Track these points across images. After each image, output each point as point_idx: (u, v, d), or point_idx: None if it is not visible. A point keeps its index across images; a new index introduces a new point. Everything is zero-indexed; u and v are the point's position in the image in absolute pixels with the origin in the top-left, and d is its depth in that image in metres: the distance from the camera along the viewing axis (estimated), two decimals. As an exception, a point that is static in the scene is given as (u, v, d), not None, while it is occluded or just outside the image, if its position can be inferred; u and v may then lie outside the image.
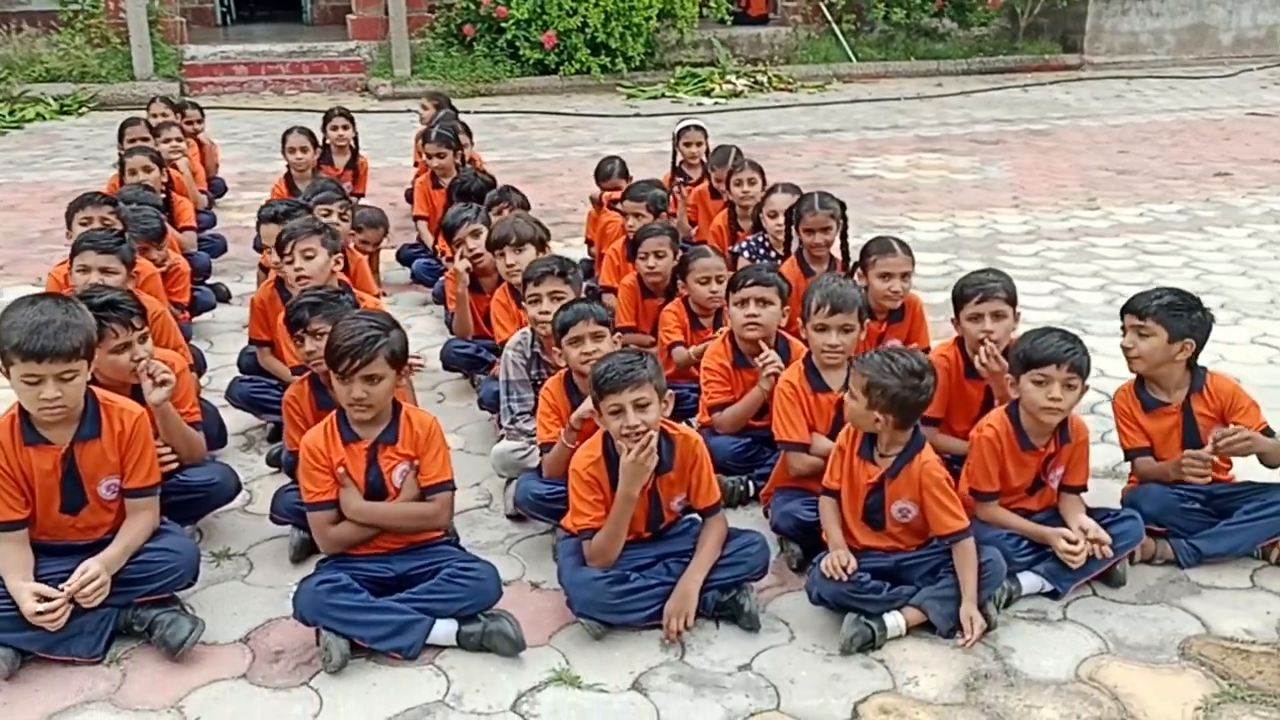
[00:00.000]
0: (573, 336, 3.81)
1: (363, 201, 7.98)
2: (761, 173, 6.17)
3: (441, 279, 6.11)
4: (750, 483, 4.18)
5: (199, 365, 5.01)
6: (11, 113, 12.73)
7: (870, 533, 3.49)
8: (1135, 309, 3.78)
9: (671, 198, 7.13)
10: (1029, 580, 3.53)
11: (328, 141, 7.75)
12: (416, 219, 7.22)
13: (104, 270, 4.35)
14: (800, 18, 17.02)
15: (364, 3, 15.87)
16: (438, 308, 6.22)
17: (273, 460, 4.45)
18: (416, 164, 8.27)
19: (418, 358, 4.24)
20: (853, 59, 16.41)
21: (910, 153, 10.99)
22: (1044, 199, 9.01)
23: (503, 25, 14.71)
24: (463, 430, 4.83)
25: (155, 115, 8.08)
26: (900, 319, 4.68)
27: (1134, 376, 3.88)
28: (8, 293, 6.13)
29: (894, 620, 3.33)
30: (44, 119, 12.76)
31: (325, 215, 5.44)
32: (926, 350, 4.26)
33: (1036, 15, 17.22)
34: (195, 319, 5.91)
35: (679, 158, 7.34)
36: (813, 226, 4.99)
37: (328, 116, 7.93)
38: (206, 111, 9.22)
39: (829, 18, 16.69)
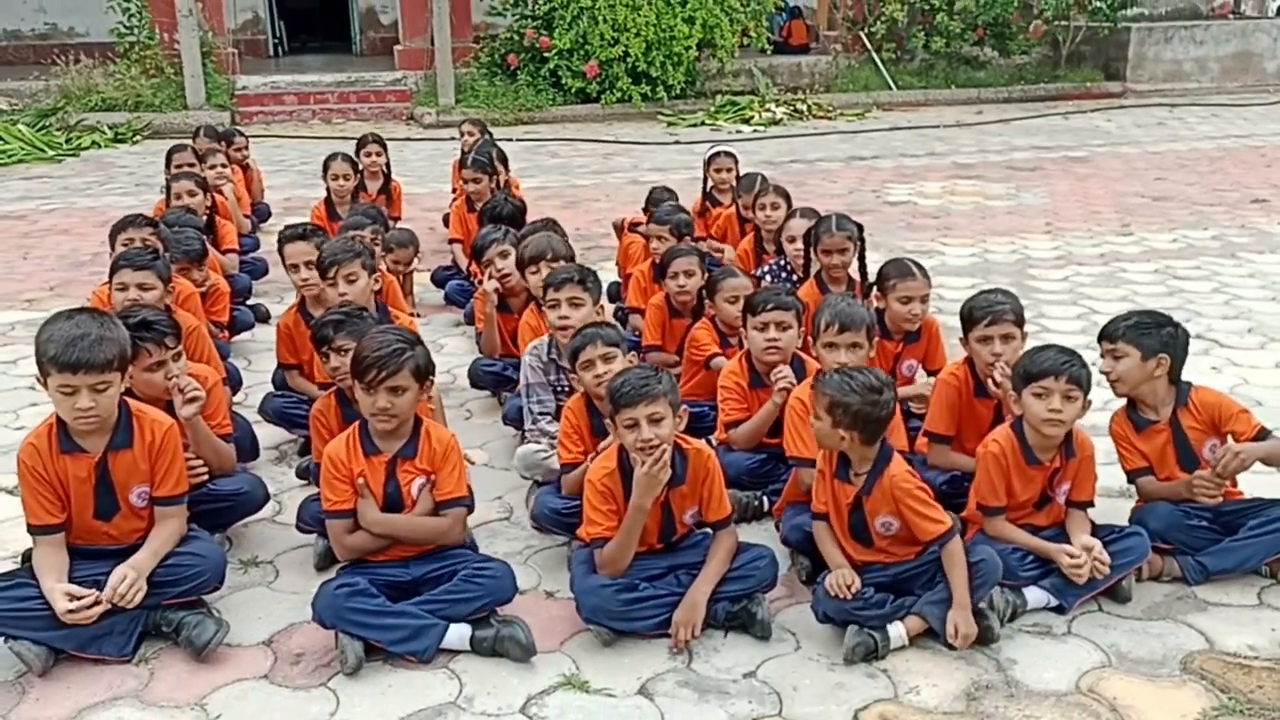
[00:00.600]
0: (584, 361, 3.92)
1: (399, 225, 8.19)
2: (787, 198, 6.27)
3: (472, 300, 6.26)
4: (764, 498, 4.26)
5: (234, 382, 5.18)
6: (68, 140, 13.12)
7: (862, 549, 3.56)
8: (1106, 334, 3.87)
9: (700, 222, 7.29)
10: (1034, 595, 3.58)
11: (361, 167, 7.94)
12: (451, 242, 7.39)
13: (141, 286, 4.53)
14: (840, 46, 17.15)
15: (411, 34, 16.21)
16: (469, 328, 6.36)
17: (302, 473, 4.59)
18: (454, 189, 8.45)
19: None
20: (893, 87, 16.49)
21: (946, 179, 11.04)
22: (1077, 225, 9.02)
23: (546, 55, 14.97)
24: (488, 446, 4.95)
25: (201, 145, 8.32)
26: (916, 339, 4.75)
27: (1125, 400, 3.92)
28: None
29: (896, 630, 3.39)
30: (99, 147, 13.14)
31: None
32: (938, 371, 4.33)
33: (1079, 43, 17.23)
34: (234, 338, 6.11)
35: (709, 183, 7.46)
36: (830, 248, 5.08)
37: (361, 142, 8.14)
38: (255, 139, 9.48)
39: (869, 46, 16.80)
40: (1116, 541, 3.61)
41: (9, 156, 12.35)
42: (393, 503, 3.57)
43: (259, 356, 6.01)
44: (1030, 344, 4.05)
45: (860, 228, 5.24)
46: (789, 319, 4.27)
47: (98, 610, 3.26)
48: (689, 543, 3.67)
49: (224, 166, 7.82)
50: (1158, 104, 16.14)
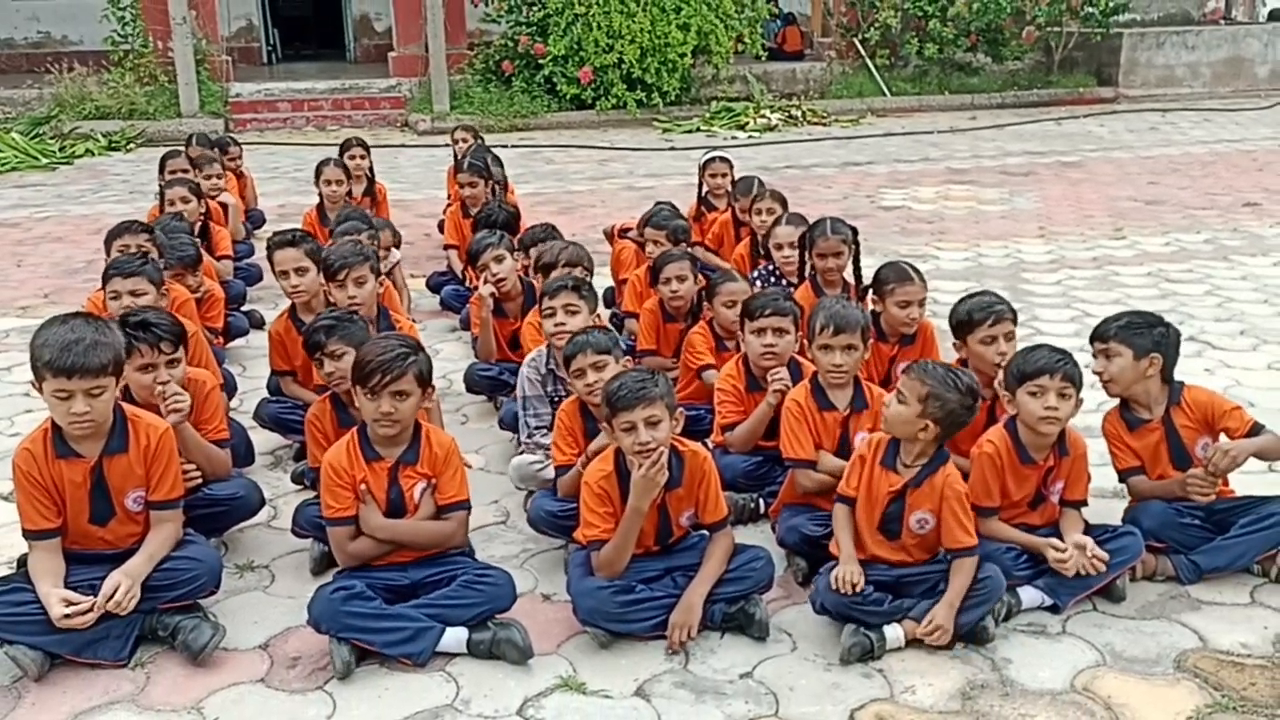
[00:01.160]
0: (575, 369, 3.92)
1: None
2: (783, 202, 6.29)
3: (468, 305, 6.27)
4: (761, 500, 4.27)
5: (229, 388, 5.17)
6: (62, 149, 13.12)
7: (884, 543, 3.55)
8: (1098, 334, 3.90)
9: (695, 227, 7.30)
10: (1029, 595, 3.59)
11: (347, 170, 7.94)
12: (447, 247, 7.39)
13: (132, 293, 4.54)
14: (835, 53, 17.20)
15: (405, 41, 16.23)
16: (465, 333, 6.36)
17: (297, 478, 4.59)
18: (450, 196, 8.46)
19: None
20: (887, 93, 16.54)
21: (940, 184, 11.07)
22: (1070, 229, 9.05)
23: (540, 62, 15.00)
24: (484, 450, 4.95)
25: (194, 154, 8.29)
26: (912, 342, 4.76)
27: (1119, 400, 3.94)
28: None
29: (894, 632, 3.40)
30: (93, 154, 13.14)
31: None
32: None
33: (1071, 49, 17.30)
34: (229, 344, 6.11)
35: (704, 188, 7.47)
36: (825, 252, 5.10)
37: (345, 146, 8.14)
38: (249, 147, 9.48)
39: (863, 53, 16.85)
40: (1110, 541, 3.62)
41: (3, 165, 12.35)
42: (395, 508, 3.57)
43: (254, 362, 6.01)
44: (1014, 343, 4.09)
45: (855, 231, 5.26)
46: (786, 324, 4.28)
47: (93, 616, 3.26)
48: (685, 545, 3.68)
49: (219, 177, 7.82)
50: (1150, 109, 16.20)
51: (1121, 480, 3.97)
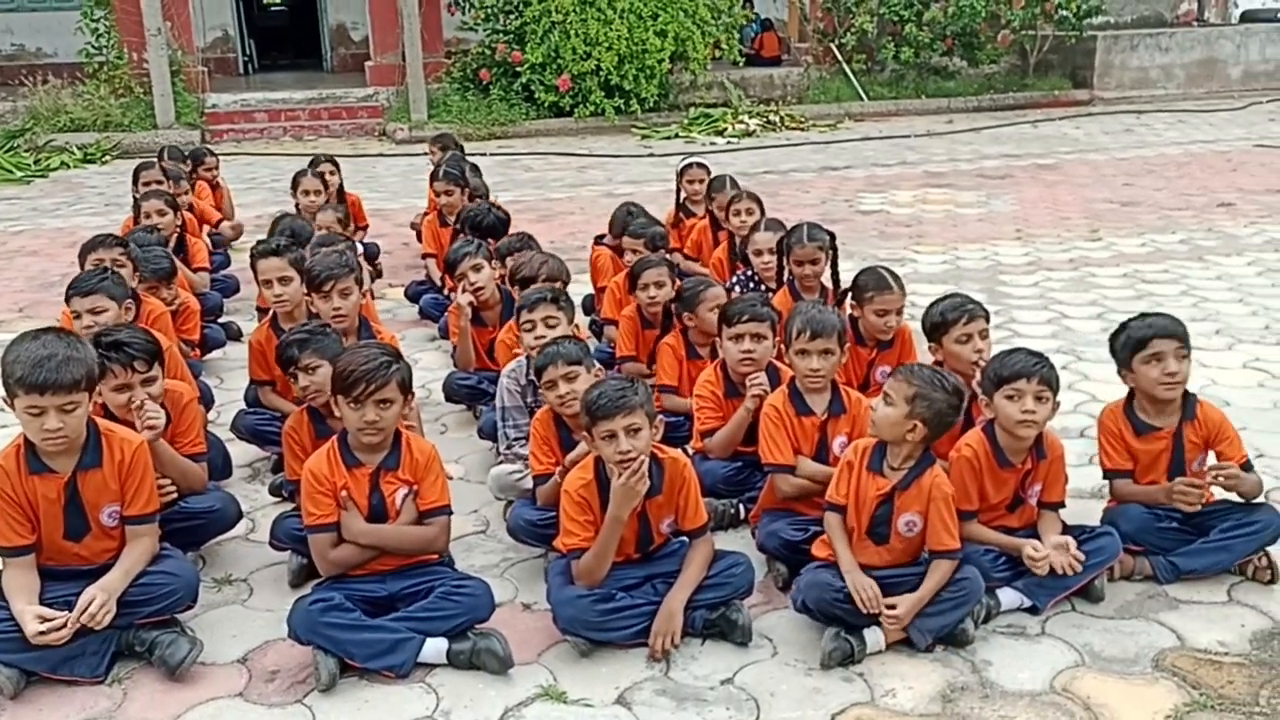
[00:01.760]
0: (547, 380, 3.91)
1: (368, 238, 8.23)
2: (760, 203, 6.31)
3: (446, 314, 6.26)
4: (741, 505, 4.27)
5: (206, 400, 5.14)
6: (37, 162, 13.05)
7: (871, 547, 3.54)
8: (1180, 335, 3.79)
9: (674, 233, 7.32)
10: (1008, 596, 3.60)
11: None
12: (425, 256, 7.38)
13: (92, 311, 4.52)
14: (812, 58, 17.26)
15: (382, 50, 16.21)
16: (444, 343, 6.35)
17: (275, 490, 4.57)
18: (429, 204, 8.45)
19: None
20: (864, 98, 16.60)
21: (917, 188, 11.11)
22: (1047, 231, 9.10)
23: (518, 70, 15.01)
24: (464, 460, 4.94)
25: (167, 166, 8.20)
26: (890, 346, 4.78)
27: (1123, 397, 3.92)
28: (26, 333, 6.31)
29: (874, 636, 3.40)
30: (68, 167, 13.08)
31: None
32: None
33: (1046, 52, 17.40)
34: (206, 356, 6.08)
35: (682, 194, 7.48)
36: (802, 259, 5.12)
37: (314, 163, 8.10)
38: (226, 158, 9.45)
39: (840, 58, 16.90)
40: (1088, 542, 3.63)
41: (-24, 179, 12.27)
42: (377, 514, 3.56)
43: (231, 374, 5.99)
44: (989, 341, 4.11)
45: (832, 236, 5.27)
46: (764, 330, 4.28)
47: (68, 632, 3.23)
48: (666, 552, 3.67)
49: (186, 194, 7.77)
50: (1125, 111, 16.32)
51: (1106, 478, 3.96)
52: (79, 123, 14.08)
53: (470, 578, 3.57)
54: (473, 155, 10.74)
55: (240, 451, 4.85)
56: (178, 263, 5.95)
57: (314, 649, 3.31)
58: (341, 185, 8.22)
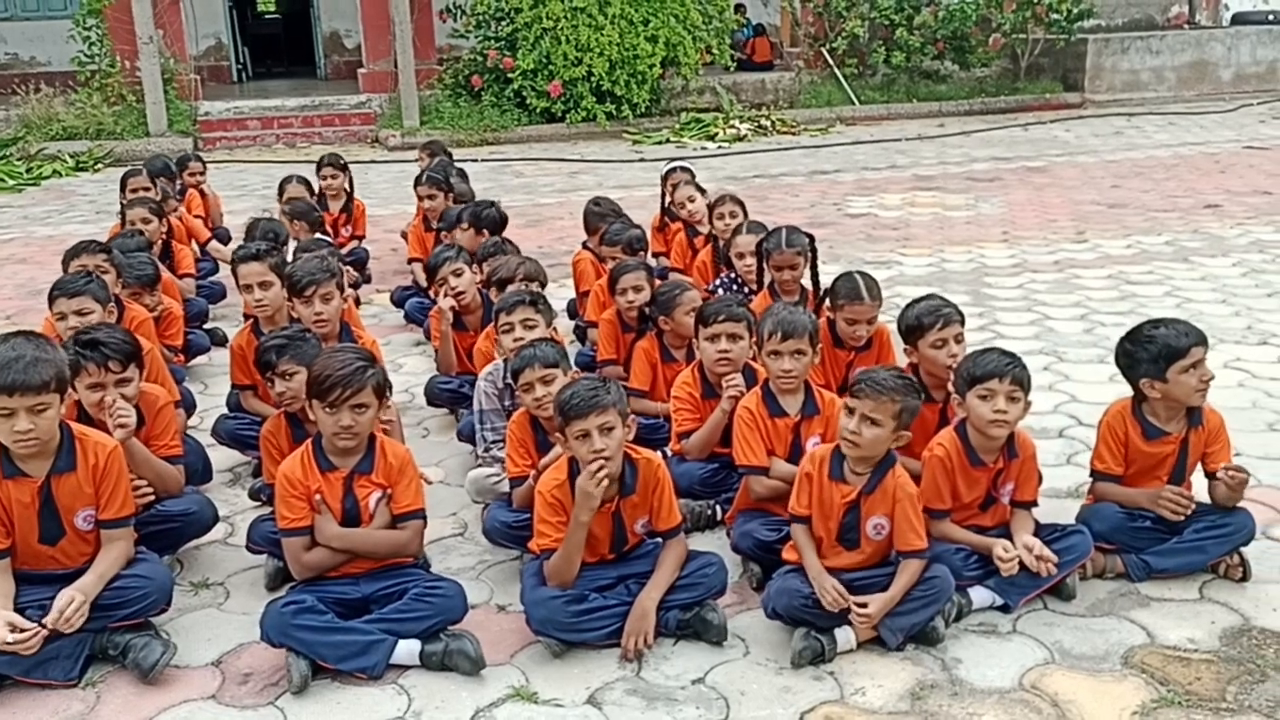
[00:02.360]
0: (524, 383, 3.94)
1: (364, 244, 8.26)
2: (743, 206, 6.33)
3: (429, 318, 6.30)
4: (717, 506, 4.28)
5: (188, 405, 5.16)
6: (29, 170, 13.07)
7: (844, 553, 3.56)
8: (1205, 340, 3.79)
9: (660, 237, 7.35)
10: (980, 595, 3.61)
11: (321, 189, 7.95)
12: (411, 261, 7.41)
13: (78, 312, 4.54)
14: (803, 63, 17.30)
15: (374, 57, 16.25)
16: (429, 346, 6.36)
17: (254, 494, 4.58)
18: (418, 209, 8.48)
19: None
20: (855, 102, 16.65)
21: (906, 191, 11.14)
22: (1033, 233, 9.12)
23: (509, 76, 15.04)
24: (444, 463, 4.96)
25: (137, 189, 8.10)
26: (868, 348, 4.79)
27: (1129, 399, 3.89)
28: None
29: (845, 635, 3.41)
30: (61, 175, 13.11)
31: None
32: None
33: (1037, 55, 17.46)
34: (190, 362, 6.10)
35: (667, 199, 7.50)
36: (781, 264, 5.14)
37: (319, 165, 8.15)
38: (219, 165, 9.46)
39: (831, 62, 16.95)
40: (1059, 540, 3.64)
41: (-31, 187, 12.30)
42: (350, 518, 3.57)
43: (215, 380, 6.00)
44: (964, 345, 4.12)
45: (811, 239, 5.28)
46: (740, 330, 4.30)
47: (37, 642, 3.23)
48: (640, 552, 3.68)
49: (174, 201, 7.79)
50: (1116, 113, 16.36)
51: (1093, 477, 3.95)
52: (71, 131, 14.12)
53: (444, 579, 3.59)
54: (464, 161, 10.82)
55: (221, 457, 4.87)
56: (163, 269, 5.98)
57: (286, 651, 3.33)
58: (351, 186, 8.26)
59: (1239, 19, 19.73)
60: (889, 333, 4.87)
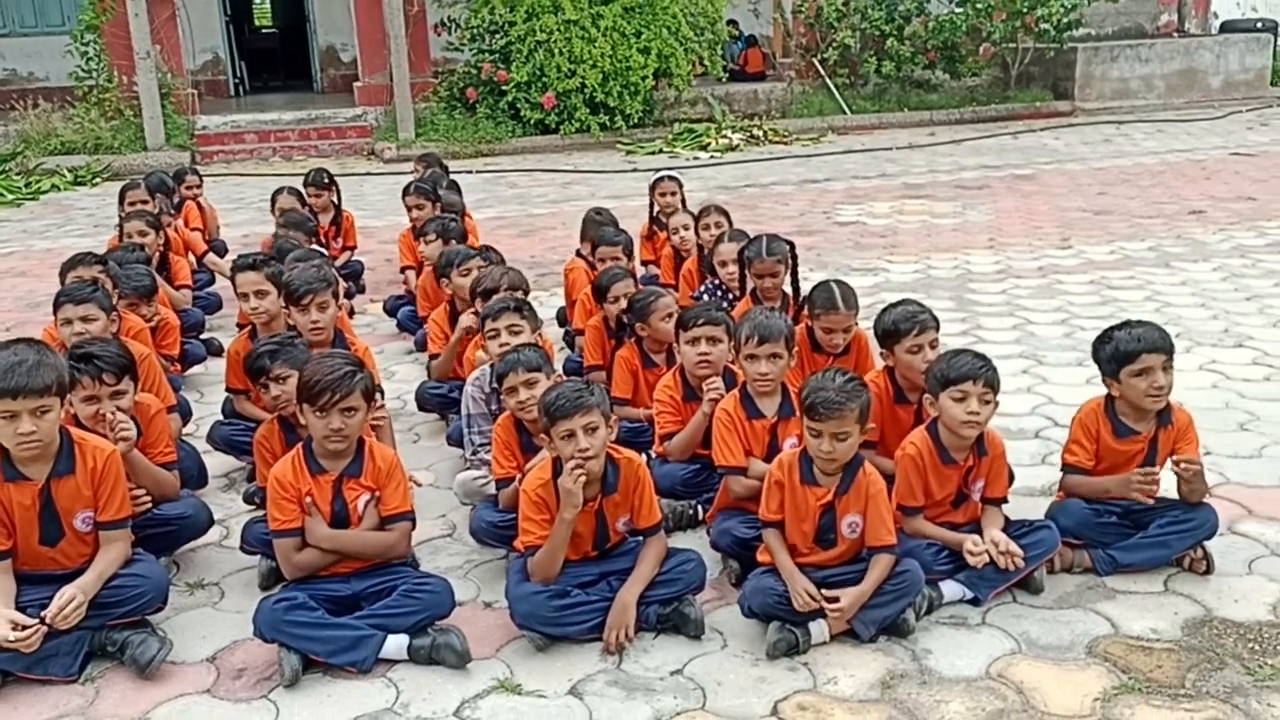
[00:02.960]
0: (508, 386, 4.06)
1: (358, 255, 8.39)
2: (728, 216, 6.47)
3: (423, 328, 6.43)
4: (699, 506, 4.40)
5: (184, 413, 5.28)
6: (28, 185, 13.20)
7: (820, 552, 3.67)
8: (1168, 350, 3.88)
9: (648, 245, 7.49)
10: (950, 589, 3.73)
11: (310, 204, 8.09)
12: (404, 269, 7.54)
13: (84, 319, 4.67)
14: (795, 73, 17.44)
15: (370, 70, 16.37)
16: (421, 355, 6.48)
17: (249, 498, 4.70)
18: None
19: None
20: (847, 111, 16.77)
21: (895, 199, 11.27)
22: (1019, 240, 9.25)
23: (503, 88, 15.18)
24: (434, 468, 5.08)
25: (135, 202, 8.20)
26: (847, 353, 4.89)
27: (1103, 396, 4.02)
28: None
29: (819, 628, 3.53)
30: (59, 190, 13.22)
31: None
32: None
33: (1027, 64, 17.58)
34: (186, 371, 6.22)
35: (655, 207, 7.64)
36: (762, 271, 5.27)
37: (305, 181, 8.27)
38: (216, 178, 9.57)
39: (823, 73, 17.09)
40: (1027, 535, 3.77)
41: (-32, 203, 12.43)
42: (340, 520, 3.69)
43: (211, 389, 6.11)
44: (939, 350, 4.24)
45: (791, 246, 5.41)
46: (719, 333, 4.43)
47: (38, 639, 3.35)
48: (621, 550, 3.80)
49: (170, 216, 7.93)
50: (1105, 121, 16.49)
51: (1065, 470, 4.05)
52: (69, 146, 14.26)
53: (431, 576, 3.71)
54: (459, 173, 10.95)
55: (217, 462, 4.99)
56: (159, 280, 6.10)
57: (279, 646, 3.44)
58: (339, 198, 8.39)
59: (1228, 27, 19.89)
60: (867, 338, 4.98)
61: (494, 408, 4.57)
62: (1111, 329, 3.98)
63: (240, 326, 5.58)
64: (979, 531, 3.81)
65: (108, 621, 3.52)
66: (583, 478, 3.49)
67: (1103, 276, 7.96)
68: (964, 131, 15.99)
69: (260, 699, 3.38)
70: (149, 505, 3.99)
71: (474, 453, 4.57)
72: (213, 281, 8.00)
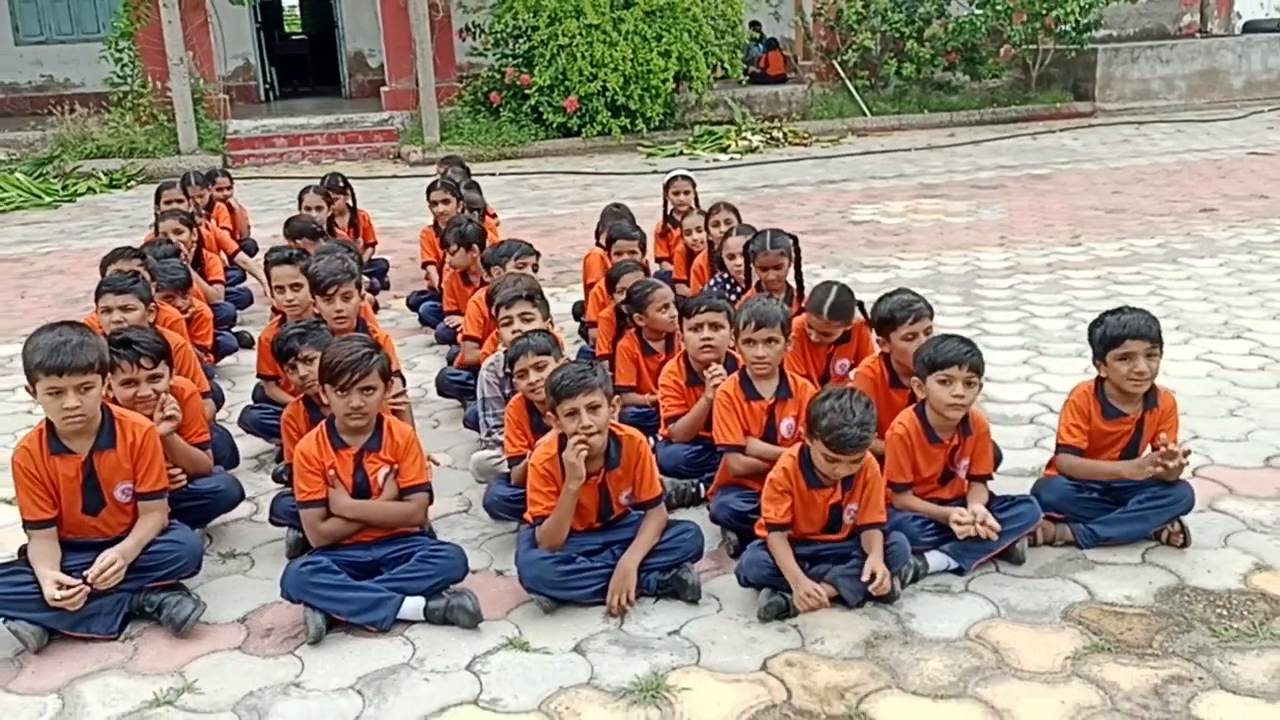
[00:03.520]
0: (519, 369, 4.30)
1: (382, 254, 8.66)
2: (736, 213, 6.69)
3: (444, 322, 6.71)
4: (700, 485, 4.62)
5: (218, 399, 5.55)
6: (65, 187, 13.60)
7: (825, 536, 3.90)
8: (1154, 337, 4.04)
9: (662, 243, 7.72)
10: (935, 559, 3.94)
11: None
12: (425, 265, 7.81)
13: (123, 308, 4.95)
14: (815, 75, 17.64)
15: (396, 75, 16.72)
16: (442, 348, 6.74)
17: (277, 477, 4.94)
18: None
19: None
20: (867, 113, 16.96)
21: (910, 199, 11.45)
22: (1030, 237, 9.42)
23: (527, 92, 15.47)
24: (451, 450, 5.33)
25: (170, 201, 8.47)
26: (847, 341, 5.11)
27: (1094, 379, 4.21)
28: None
29: (810, 595, 3.75)
30: (94, 192, 13.62)
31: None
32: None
33: (1048, 65, 17.72)
34: (219, 361, 6.51)
35: (669, 206, 7.86)
36: (766, 265, 5.49)
37: (322, 184, 8.54)
38: (247, 180, 9.87)
39: (843, 75, 17.28)
40: (1009, 509, 3.97)
41: (7, 204, 12.84)
42: (361, 491, 3.94)
43: (242, 378, 6.39)
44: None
45: (795, 240, 5.62)
46: (721, 319, 4.65)
47: (81, 598, 3.61)
48: (624, 522, 4.03)
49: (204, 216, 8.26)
50: (1126, 122, 16.60)
51: (1060, 450, 4.21)
52: (105, 149, 14.66)
53: (446, 544, 3.96)
54: (482, 175, 11.23)
55: (247, 445, 5.26)
56: (194, 274, 6.39)
57: (304, 607, 3.70)
58: (354, 199, 8.66)
59: (1251, 27, 19.94)
60: (865, 328, 5.19)
61: (507, 391, 4.81)
62: (1105, 313, 4.18)
63: (274, 313, 5.87)
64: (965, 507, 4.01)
65: (146, 584, 3.78)
66: (585, 452, 3.72)
67: (1109, 272, 8.12)
68: (983, 133, 16.14)
69: (287, 655, 3.63)
70: (184, 482, 4.25)
71: (489, 434, 4.82)
72: (244, 279, 8.29)
